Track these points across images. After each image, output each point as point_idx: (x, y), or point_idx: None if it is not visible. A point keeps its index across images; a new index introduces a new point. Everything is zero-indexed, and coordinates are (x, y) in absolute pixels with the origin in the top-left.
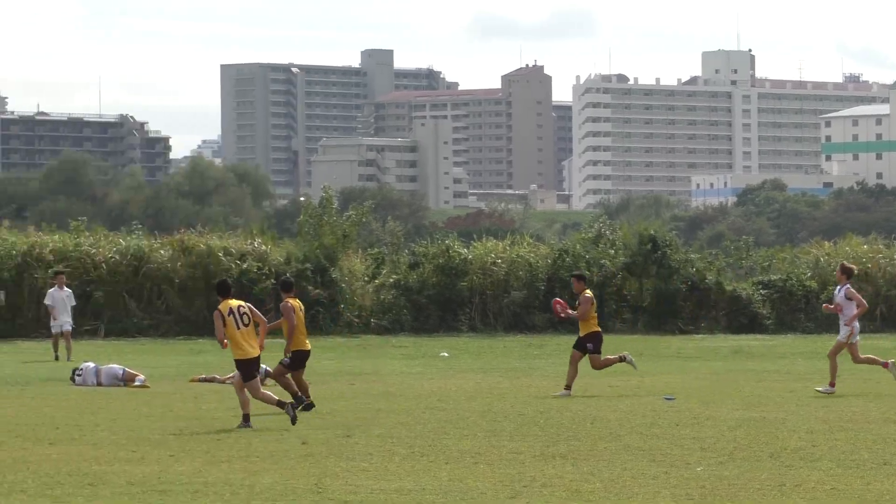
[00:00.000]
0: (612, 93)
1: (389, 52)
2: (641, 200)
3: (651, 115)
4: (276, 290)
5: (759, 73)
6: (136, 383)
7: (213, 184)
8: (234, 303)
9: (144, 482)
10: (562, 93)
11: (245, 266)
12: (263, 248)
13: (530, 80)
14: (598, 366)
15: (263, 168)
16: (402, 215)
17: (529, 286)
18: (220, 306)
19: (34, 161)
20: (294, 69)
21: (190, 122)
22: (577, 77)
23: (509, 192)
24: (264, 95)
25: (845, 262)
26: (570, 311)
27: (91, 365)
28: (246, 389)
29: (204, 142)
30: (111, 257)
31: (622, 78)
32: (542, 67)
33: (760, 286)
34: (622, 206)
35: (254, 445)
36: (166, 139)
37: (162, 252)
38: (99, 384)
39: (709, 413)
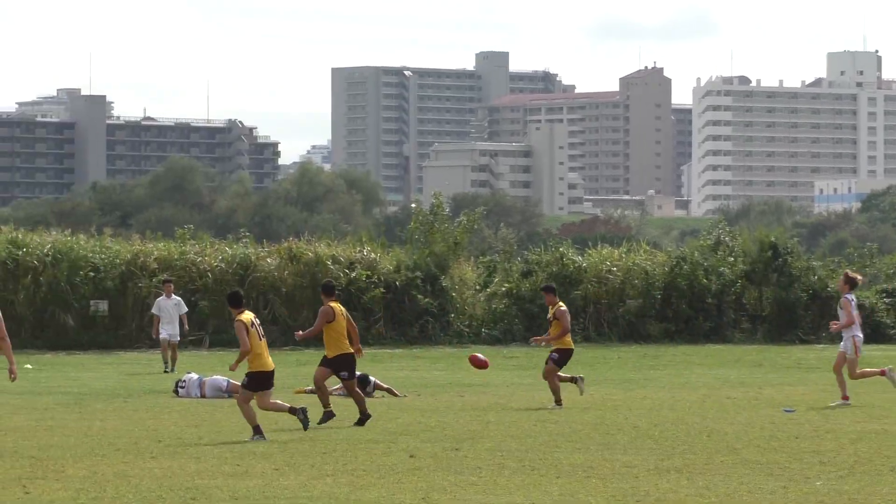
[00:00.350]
0: (734, 95)
1: (504, 55)
2: (762, 206)
3: (773, 118)
4: (386, 300)
5: (886, 74)
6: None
7: (323, 190)
8: (251, 315)
9: (248, 496)
10: (681, 95)
11: (354, 275)
12: (373, 255)
13: (649, 83)
14: (549, 377)
15: (374, 174)
16: (515, 222)
17: (645, 295)
18: (241, 318)
19: (140, 167)
20: (406, 72)
21: (300, 127)
22: (698, 79)
23: (626, 197)
24: (376, 99)
25: (849, 271)
26: (542, 339)
27: (194, 376)
28: (253, 402)
29: (314, 147)
30: (217, 266)
31: (744, 80)
32: (661, 69)
33: (884, 295)
34: (742, 212)
35: (360, 459)
36: (275, 145)
37: (269, 260)
38: (202, 396)
39: (829, 426)
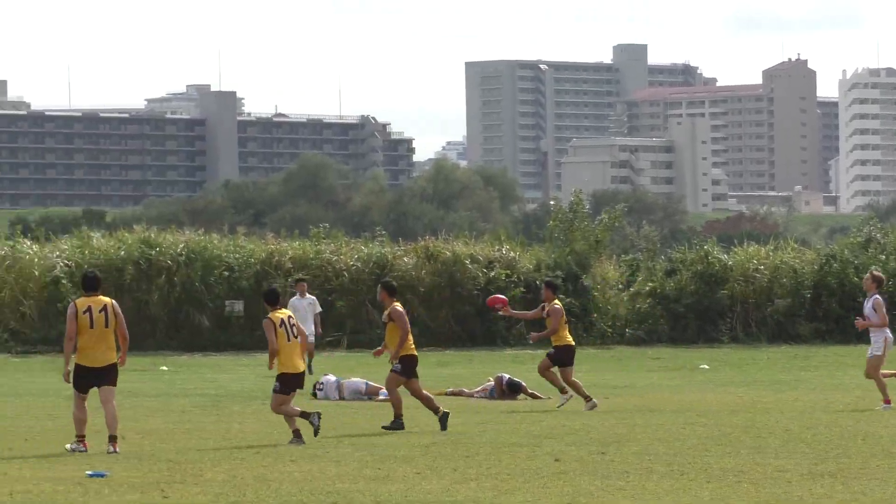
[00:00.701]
0: (882, 87)
1: (643, 47)
2: None
3: None
4: (526, 300)
5: None
6: (381, 397)
7: (459, 187)
8: (284, 313)
9: (390, 500)
10: (827, 88)
11: (493, 274)
12: (512, 254)
13: (793, 75)
14: (542, 373)
15: (510, 170)
16: (658, 219)
17: (794, 294)
18: (270, 316)
19: (272, 165)
20: (542, 66)
21: (434, 123)
22: (844, 71)
23: (771, 193)
24: (511, 94)
25: (874, 270)
26: (514, 312)
27: (332, 378)
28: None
29: (449, 143)
30: (353, 265)
31: (892, 72)
32: (805, 61)
33: None
34: (893, 208)
35: (504, 462)
36: (409, 141)
37: (405, 259)
38: (341, 398)
39: None
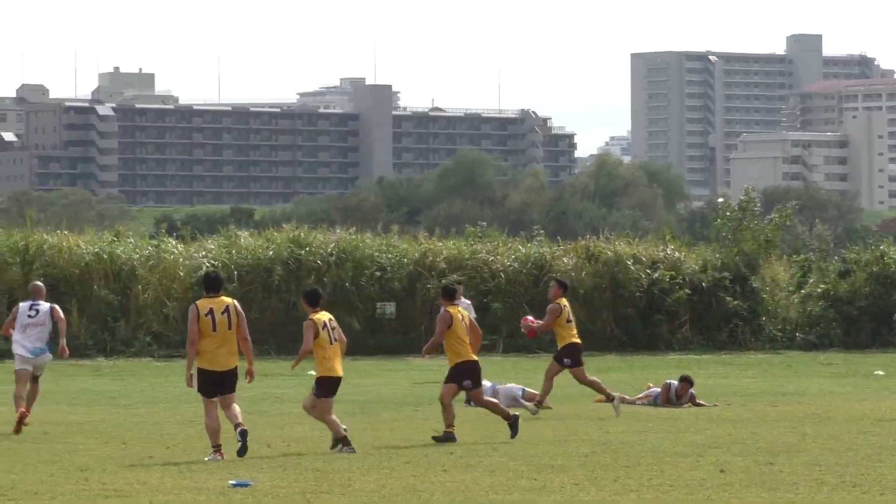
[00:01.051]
0: None
1: (818, 38)
2: None
3: None
4: (692, 302)
5: None
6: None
7: (622, 184)
8: (326, 316)
9: None
10: None
11: (656, 275)
12: (676, 254)
13: None
14: (585, 381)
15: (676, 166)
16: (831, 217)
17: None
18: (314, 317)
19: (428, 160)
20: (712, 57)
21: (597, 117)
22: None
23: None
24: (679, 87)
25: None
26: (533, 325)
27: (488, 384)
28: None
29: (612, 138)
30: (510, 266)
31: None
32: None
33: None
34: None
35: (666, 473)
36: (571, 136)
37: (565, 259)
38: None
39: None
